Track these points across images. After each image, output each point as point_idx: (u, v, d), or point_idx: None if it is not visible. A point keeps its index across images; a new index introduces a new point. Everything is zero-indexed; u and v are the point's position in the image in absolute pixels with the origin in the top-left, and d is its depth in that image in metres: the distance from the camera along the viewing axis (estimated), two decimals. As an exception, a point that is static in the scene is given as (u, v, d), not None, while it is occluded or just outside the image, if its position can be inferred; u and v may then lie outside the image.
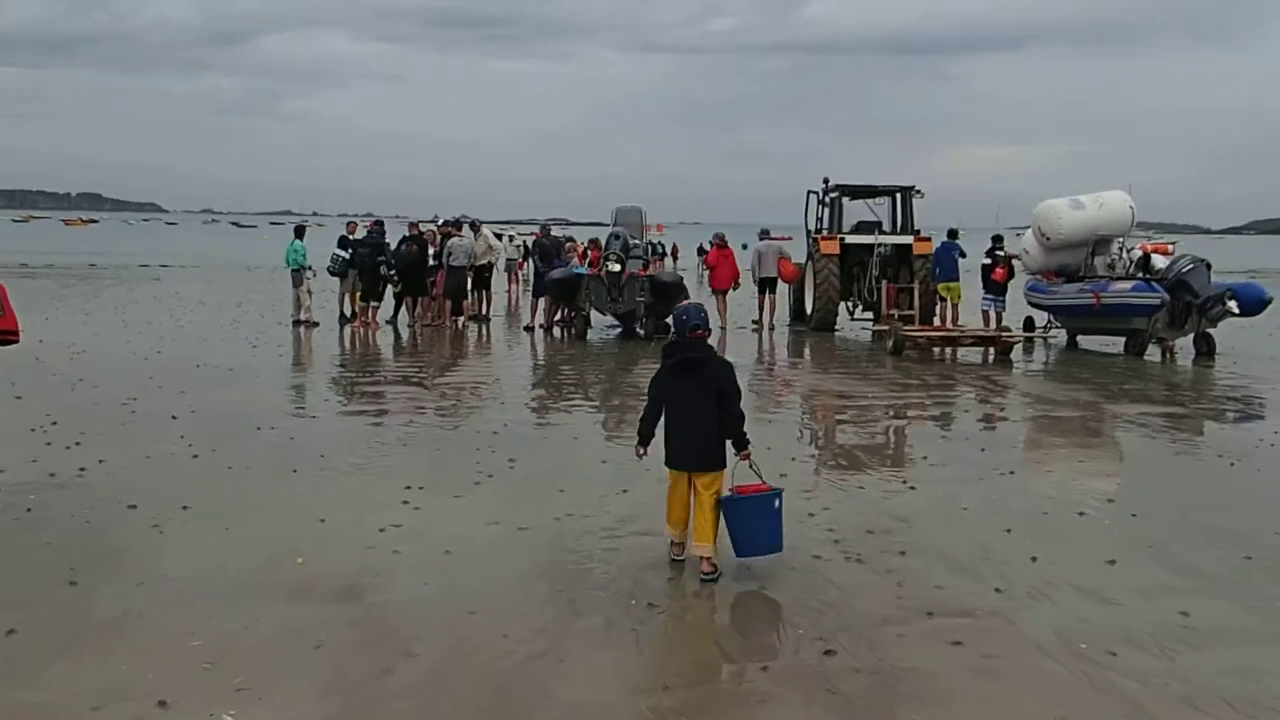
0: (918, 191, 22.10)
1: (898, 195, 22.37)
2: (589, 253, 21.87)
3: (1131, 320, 18.01)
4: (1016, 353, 17.92)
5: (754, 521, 6.31)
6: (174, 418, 10.96)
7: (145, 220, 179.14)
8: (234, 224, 65.84)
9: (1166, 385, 15.22)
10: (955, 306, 21.31)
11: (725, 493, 6.33)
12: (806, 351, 19.69)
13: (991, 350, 17.85)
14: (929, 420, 12.16)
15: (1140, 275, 18.80)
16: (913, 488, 8.79)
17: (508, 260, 30.39)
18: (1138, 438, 11.24)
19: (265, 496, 8.20)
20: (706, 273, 22.86)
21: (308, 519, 7.53)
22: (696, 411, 6.30)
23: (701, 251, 24.00)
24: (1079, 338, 19.72)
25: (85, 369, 14.38)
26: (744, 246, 58.77)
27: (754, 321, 22.29)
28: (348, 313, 21.63)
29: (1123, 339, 18.61)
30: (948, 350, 18.17)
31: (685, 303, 7.26)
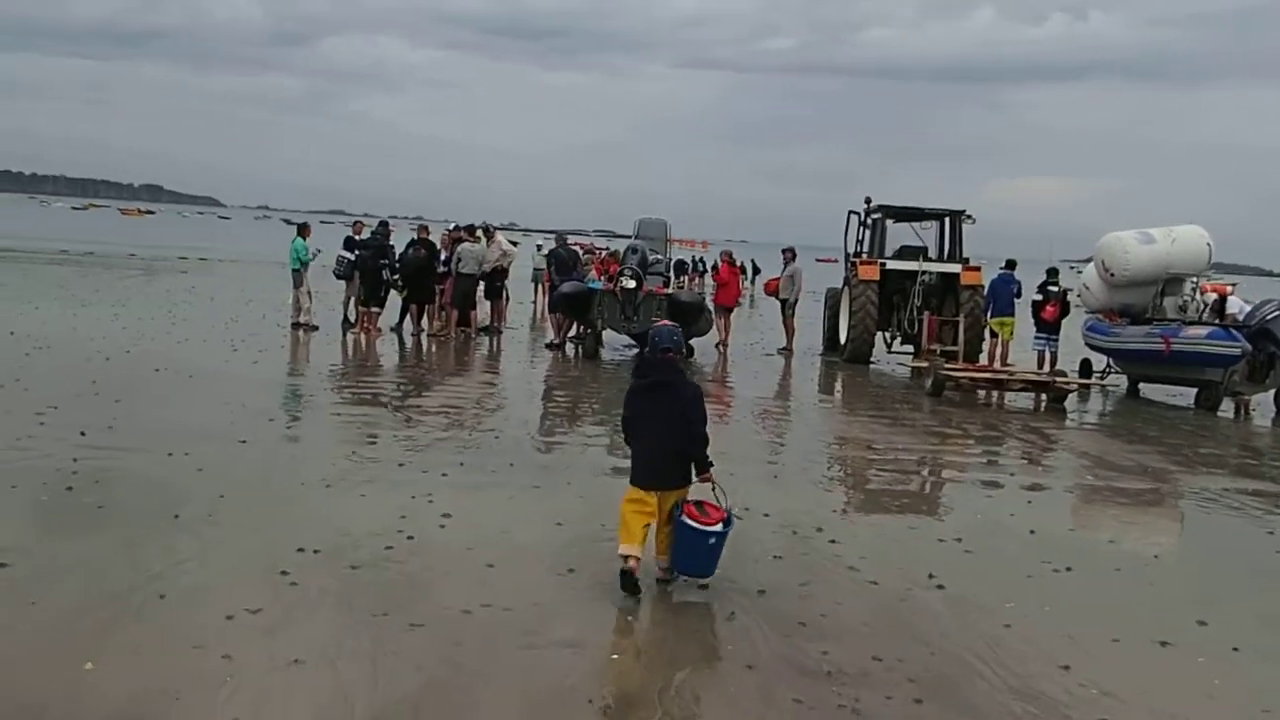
0: (968, 216, 19.93)
1: (946, 219, 20.21)
2: (608, 266, 20.05)
3: (1205, 371, 15.77)
4: (1071, 400, 15.73)
5: (695, 547, 6.32)
6: (82, 434, 9.33)
7: (200, 214, 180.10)
8: (285, 220, 64.79)
9: (1248, 450, 13.05)
10: (1006, 345, 19.13)
11: (680, 509, 6.30)
12: (836, 386, 17.62)
13: (1043, 396, 15.70)
14: (966, 484, 10.04)
15: (1216, 321, 16.59)
16: (940, 586, 6.75)
17: (535, 270, 28.55)
18: (1227, 522, 9.15)
19: (106, 560, 6.33)
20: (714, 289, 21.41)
21: (143, 602, 5.66)
22: (661, 432, 6.30)
23: (683, 268, 22.94)
24: (1141, 385, 17.53)
25: (28, 368, 12.76)
26: (740, 270, 56.62)
27: (781, 349, 20.62)
28: (351, 318, 19.91)
29: (1192, 390, 16.44)
30: (993, 393, 16.05)
31: (659, 324, 6.93)
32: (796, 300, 21.05)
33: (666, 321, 7.51)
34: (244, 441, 9.65)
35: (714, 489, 6.39)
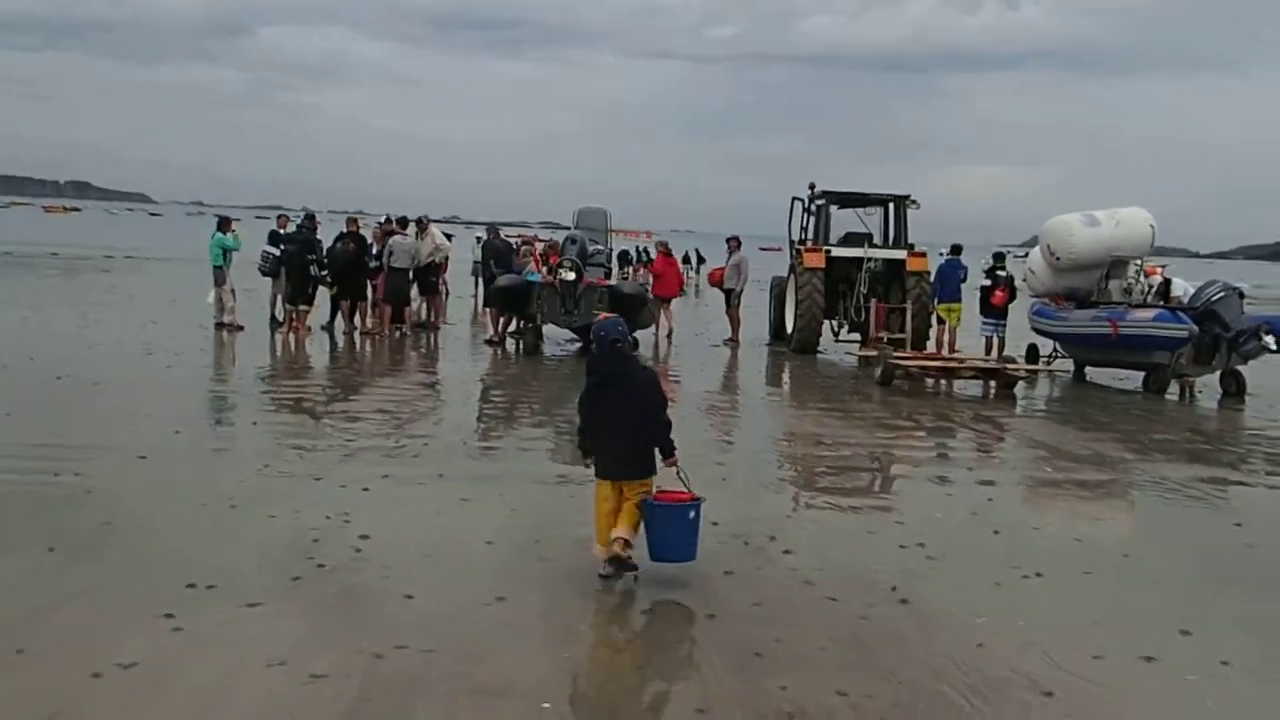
0: (913, 202, 19.43)
1: (890, 205, 19.69)
2: (549, 258, 19.30)
3: (1153, 354, 15.41)
4: (1020, 387, 15.28)
5: (670, 528, 6.22)
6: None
7: (130, 210, 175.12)
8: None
9: (1202, 435, 12.66)
10: (953, 331, 18.69)
11: (649, 496, 6.24)
12: (783, 378, 17.04)
13: (992, 383, 15.25)
14: (923, 480, 9.44)
15: (1161, 303, 16.27)
16: (904, 600, 6.15)
17: (475, 263, 27.66)
18: (1193, 514, 8.69)
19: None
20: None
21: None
22: (623, 422, 6.21)
23: (628, 258, 22.59)
24: (1088, 369, 17.18)
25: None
26: (683, 259, 55.95)
27: (727, 340, 20.11)
28: (279, 316, 18.97)
29: (1139, 374, 16.10)
30: (942, 381, 15.57)
31: (601, 317, 7.00)
32: (742, 290, 20.49)
33: (607, 314, 7.49)
34: (144, 457, 8.81)
35: (678, 473, 6.27)
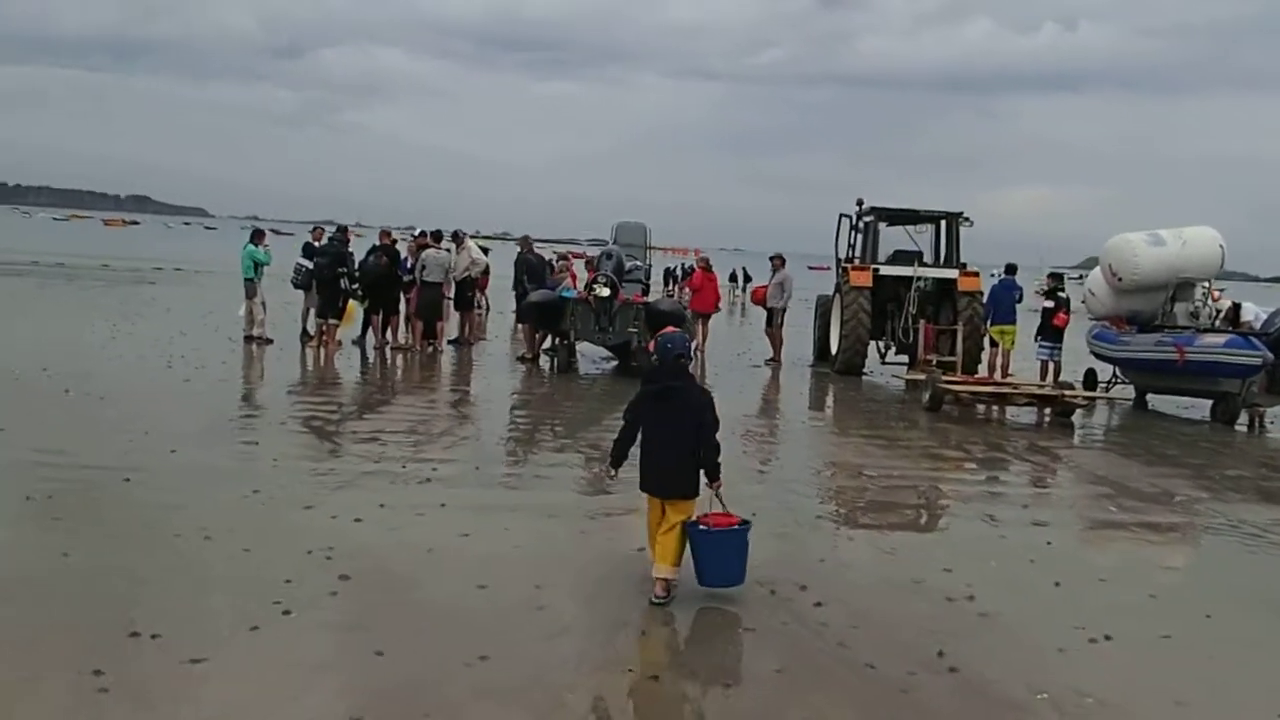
0: (965, 219, 18.46)
1: (942, 222, 18.74)
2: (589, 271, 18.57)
3: (1221, 382, 14.33)
4: (1077, 414, 14.26)
5: (719, 553, 6.12)
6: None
7: (186, 224, 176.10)
8: (274, 231, 63.53)
9: (1279, 471, 11.59)
10: (1007, 354, 17.66)
11: (693, 519, 6.10)
12: (826, 401, 16.12)
13: (1047, 410, 14.24)
14: (974, 519, 8.49)
15: (1232, 329, 15.16)
16: (953, 669, 5.27)
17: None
18: None
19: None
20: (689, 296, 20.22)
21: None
22: (674, 439, 6.08)
23: (673, 276, 22.14)
24: (1149, 397, 16.10)
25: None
26: (730, 276, 55.02)
27: (768, 360, 19.28)
28: (310, 330, 18.38)
29: (1205, 402, 15.03)
30: (994, 408, 14.57)
31: (668, 330, 6.60)
32: (785, 309, 19.61)
33: (674, 328, 7.02)
34: (128, 480, 8.14)
35: (717, 496, 6.12)
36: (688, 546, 6.14)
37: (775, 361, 19.03)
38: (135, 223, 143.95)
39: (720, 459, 6.15)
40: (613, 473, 6.37)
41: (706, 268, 20.40)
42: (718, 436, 6.17)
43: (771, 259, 20.60)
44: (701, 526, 6.07)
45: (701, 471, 6.11)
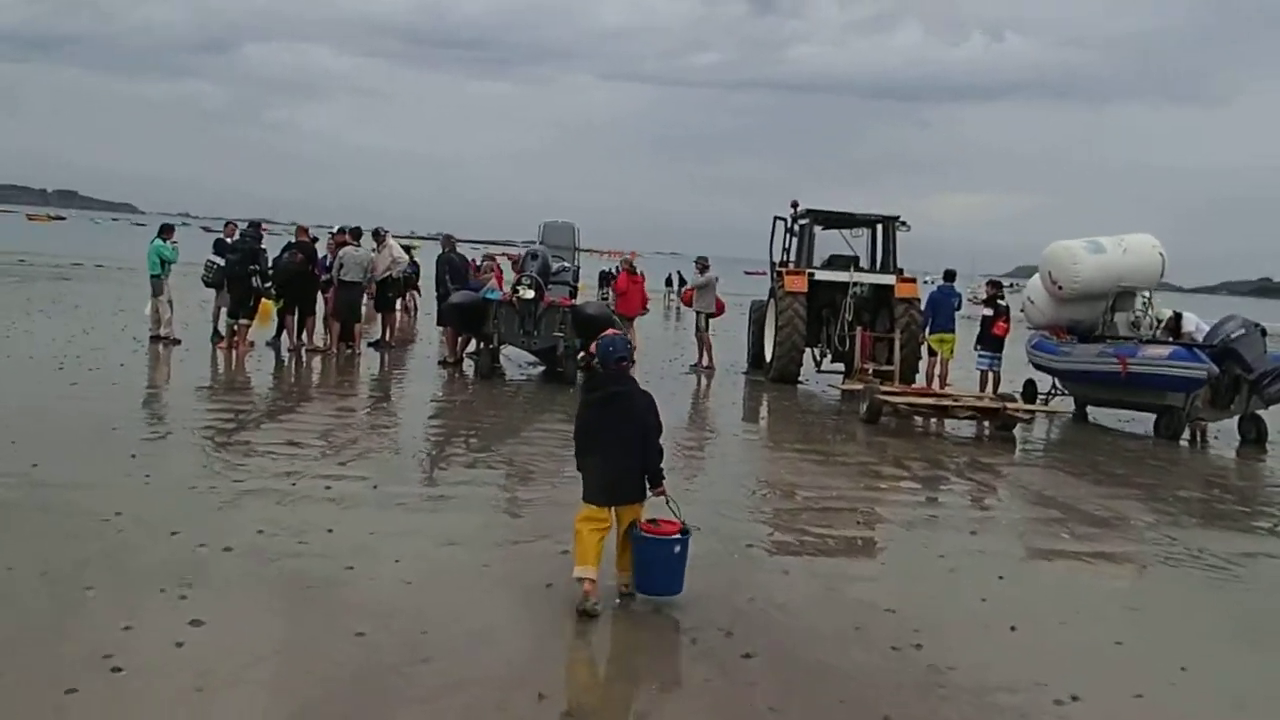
0: (903, 223, 17.78)
1: (879, 226, 18.05)
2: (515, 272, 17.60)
3: (1166, 395, 13.75)
4: (1018, 426, 13.61)
5: (655, 562, 5.92)
6: None
7: (115, 220, 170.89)
8: (204, 228, 61.56)
9: (1234, 493, 10.99)
10: (945, 363, 17.02)
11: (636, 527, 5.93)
12: (760, 412, 15.31)
13: (986, 423, 13.58)
14: (918, 551, 7.64)
15: (1173, 340, 14.65)
16: (901, 741, 4.45)
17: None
18: (1255, 604, 7.01)
19: None
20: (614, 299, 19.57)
21: None
22: (620, 445, 5.89)
23: (609, 278, 22.00)
24: (1089, 408, 15.53)
25: None
26: (666, 280, 54.31)
27: (694, 366, 18.71)
28: (222, 330, 17.19)
29: (1145, 415, 14.49)
30: (931, 420, 13.86)
31: (608, 333, 6.44)
32: (711, 313, 18.90)
33: (614, 331, 6.89)
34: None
35: (668, 502, 6.00)
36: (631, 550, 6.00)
37: (706, 367, 18.28)
38: (61, 218, 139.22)
39: (661, 462, 6.00)
40: None
41: (631, 270, 19.68)
42: (660, 441, 6.01)
43: (696, 261, 19.97)
44: (642, 532, 5.91)
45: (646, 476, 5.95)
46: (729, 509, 8.46)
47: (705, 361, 18.53)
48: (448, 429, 11.60)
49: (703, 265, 19.64)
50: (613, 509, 5.92)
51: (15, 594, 5.52)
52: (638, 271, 19.71)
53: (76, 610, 5.36)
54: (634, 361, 6.74)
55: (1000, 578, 7.04)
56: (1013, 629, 6.02)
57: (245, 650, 4.98)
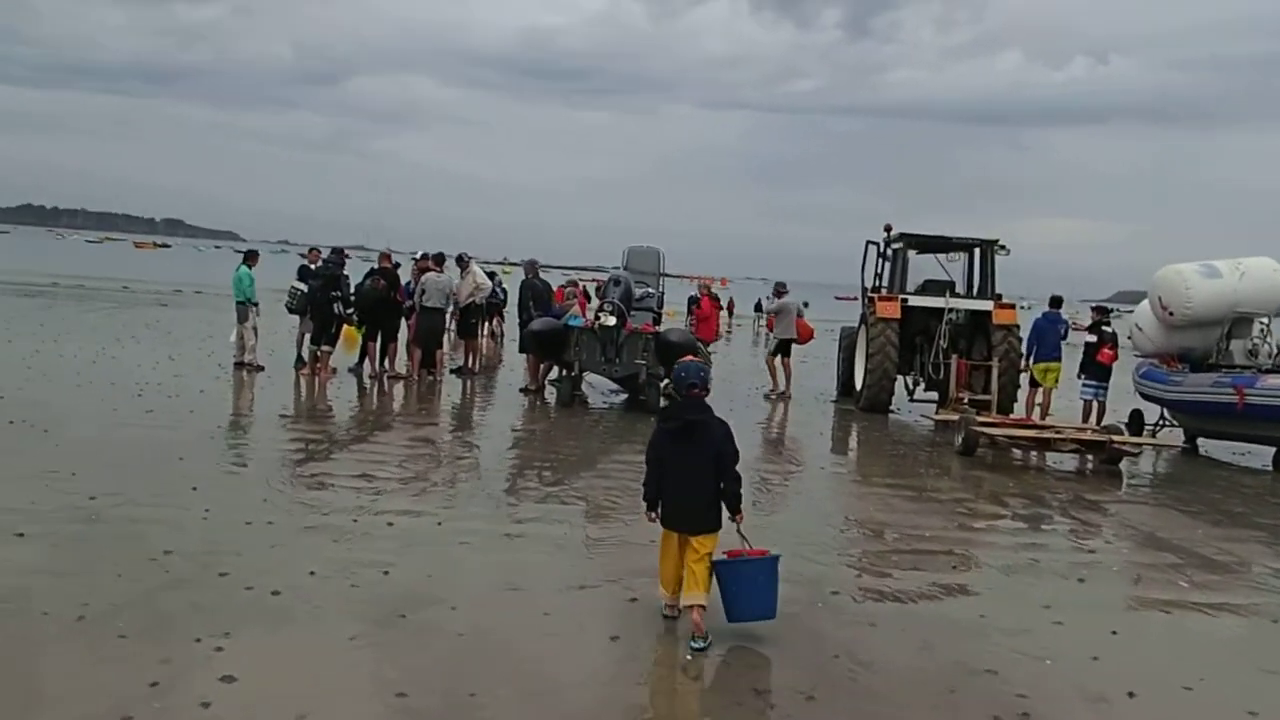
0: (1002, 247, 16.97)
1: (976, 250, 17.27)
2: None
3: (1288, 428, 12.73)
4: (1124, 460, 12.70)
5: (749, 585, 5.81)
6: None
7: (217, 247, 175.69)
8: (301, 255, 62.83)
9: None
10: (1049, 393, 16.09)
11: (718, 556, 5.83)
12: (848, 442, 14.62)
13: (1090, 456, 12.72)
14: (1022, 602, 6.93)
15: (1296, 368, 13.62)
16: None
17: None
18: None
19: None
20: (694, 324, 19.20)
21: None
22: (694, 474, 5.82)
23: (693, 301, 22.00)
24: (1199, 440, 14.50)
25: None
26: (805, 304, 53.89)
27: (769, 392, 18.14)
28: (306, 356, 17.12)
29: (1262, 448, 13.48)
30: (1030, 453, 13.03)
31: (684, 360, 6.33)
32: (791, 339, 18.34)
33: (691, 357, 6.72)
34: (20, 535, 6.83)
35: (739, 530, 5.89)
36: (714, 583, 5.85)
37: (781, 394, 17.75)
38: (166, 245, 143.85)
39: (741, 489, 5.90)
40: (652, 515, 6.03)
41: (711, 296, 19.38)
42: (737, 468, 5.89)
43: (775, 287, 19.51)
44: (727, 559, 5.81)
45: (724, 505, 5.87)
46: (812, 550, 7.86)
47: (783, 388, 17.94)
48: (522, 460, 11.17)
49: (779, 290, 19.09)
50: (686, 540, 5.83)
51: (45, 640, 5.20)
52: (717, 297, 19.41)
53: (105, 662, 5.00)
54: (709, 390, 6.26)
55: (1113, 633, 6.31)
56: (1131, 695, 5.31)
57: (274, 713, 4.56)
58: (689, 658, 5.49)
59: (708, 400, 6.12)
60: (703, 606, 5.68)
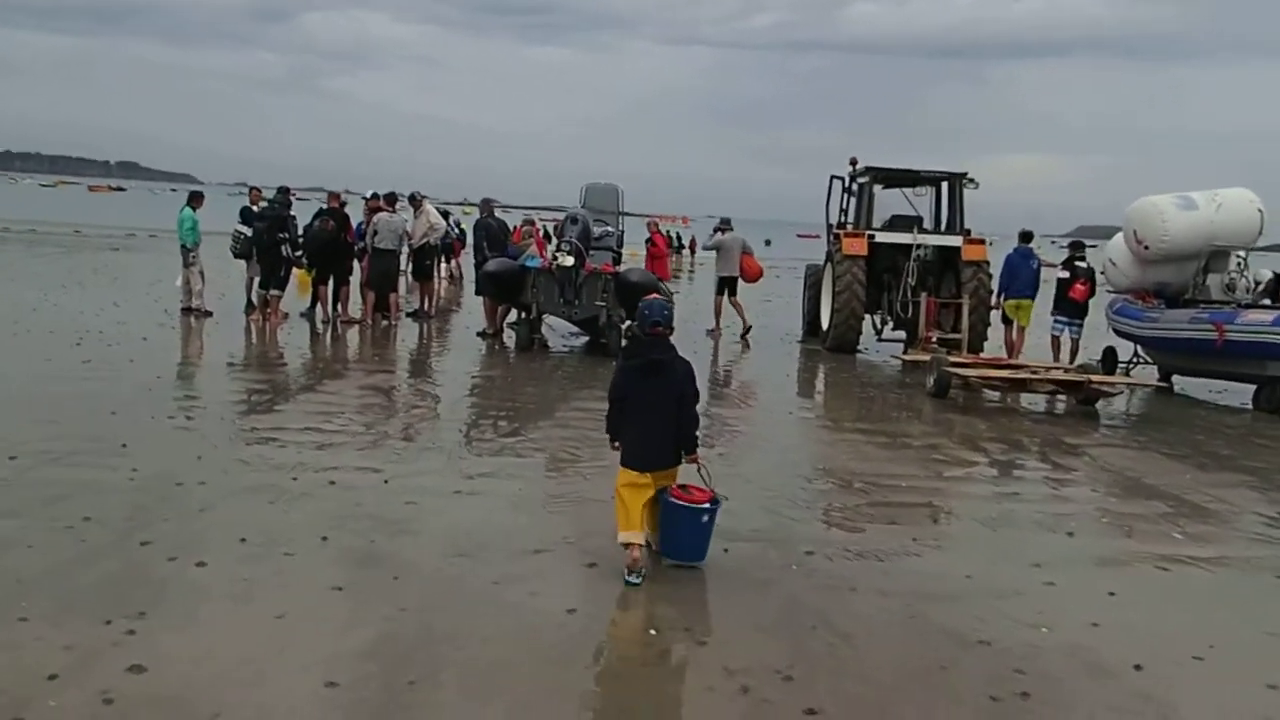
0: (970, 180, 16.37)
1: (944, 184, 16.67)
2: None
3: (1268, 365, 12.31)
4: (1100, 400, 12.27)
5: (682, 529, 5.85)
6: None
7: (173, 190, 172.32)
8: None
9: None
10: (1022, 331, 15.61)
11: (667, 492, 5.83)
12: (816, 384, 14.10)
13: (1061, 395, 12.30)
14: (1007, 560, 6.42)
15: (1272, 303, 13.21)
16: None
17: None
18: None
19: None
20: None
21: None
22: (658, 412, 5.78)
23: (676, 244, 21.51)
24: (1174, 377, 14.09)
25: None
26: (767, 243, 53.34)
27: (709, 330, 17.51)
28: (256, 301, 16.32)
29: (1239, 385, 13.09)
30: (1002, 393, 12.57)
31: (648, 298, 6.19)
32: (733, 277, 17.87)
33: (656, 295, 6.79)
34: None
35: (700, 470, 5.93)
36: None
37: (712, 331, 17.42)
38: (121, 189, 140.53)
39: (698, 431, 5.94)
40: (616, 444, 5.93)
41: (661, 232, 18.90)
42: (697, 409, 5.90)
43: (718, 222, 18.95)
44: (672, 498, 5.79)
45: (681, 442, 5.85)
46: (783, 504, 7.34)
47: (714, 328, 17.54)
48: (477, 410, 10.55)
49: (719, 227, 18.40)
50: (649, 476, 5.76)
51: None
52: (664, 233, 18.95)
53: (1, 650, 4.39)
54: (673, 329, 6.07)
55: (1111, 594, 5.82)
56: (1138, 668, 4.83)
57: (184, 710, 3.97)
58: (652, 632, 4.96)
59: (671, 340, 5.94)
60: (645, 545, 5.69)
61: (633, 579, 5.53)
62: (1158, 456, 9.78)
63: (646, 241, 19.13)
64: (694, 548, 5.86)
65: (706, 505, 5.78)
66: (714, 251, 18.57)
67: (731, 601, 5.42)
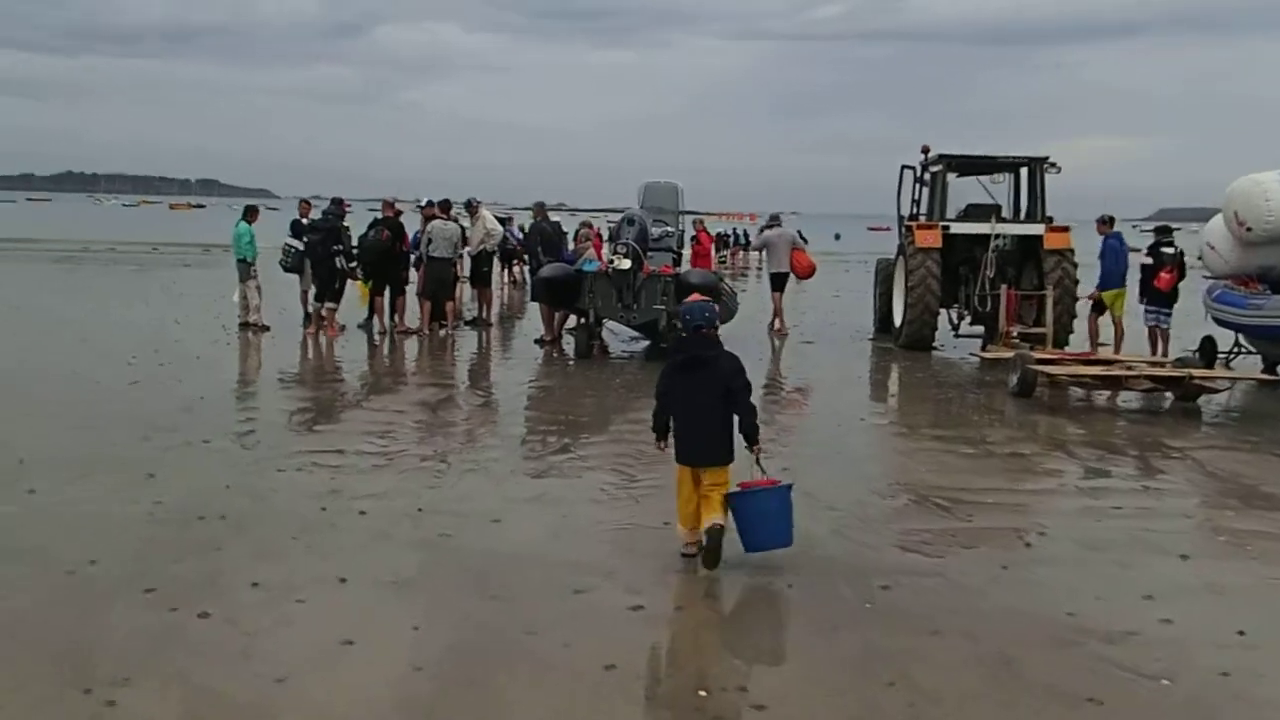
0: (1052, 164, 15.34)
1: (1023, 170, 15.65)
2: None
3: (1389, 354, 11.17)
4: (1202, 396, 11.21)
5: (764, 515, 5.76)
6: None
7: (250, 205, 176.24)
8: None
9: None
10: (1119, 323, 14.45)
11: (733, 488, 5.78)
12: (890, 386, 13.24)
13: (1162, 393, 11.27)
14: (1111, 589, 5.61)
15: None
16: None
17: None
18: None
19: None
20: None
21: None
22: (703, 408, 5.79)
23: (725, 241, 21.03)
24: (1280, 368, 12.92)
25: None
26: (836, 237, 52.22)
27: (774, 329, 16.82)
28: (311, 314, 15.95)
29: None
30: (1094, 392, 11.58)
31: (690, 300, 6.29)
32: (785, 273, 17.12)
33: (698, 297, 6.69)
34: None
35: (757, 461, 5.81)
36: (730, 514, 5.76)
37: (778, 331, 16.67)
38: (200, 205, 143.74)
39: (758, 420, 5.86)
40: (662, 444, 5.97)
41: (706, 231, 18.36)
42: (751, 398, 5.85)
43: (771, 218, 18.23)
44: (738, 490, 5.75)
45: (741, 436, 5.82)
46: (854, 525, 6.57)
47: (777, 325, 16.75)
48: (528, 424, 9.92)
49: (769, 223, 17.63)
50: (698, 474, 5.76)
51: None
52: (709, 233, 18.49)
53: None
54: (717, 328, 6.06)
55: (1240, 634, 4.96)
56: (1282, 731, 4.00)
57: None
58: (702, 694, 4.26)
59: (719, 337, 6.01)
60: (721, 526, 5.61)
61: (687, 550, 5.76)
62: (1273, 459, 8.77)
63: (692, 240, 18.50)
64: (777, 531, 5.73)
65: (783, 485, 5.77)
66: (762, 250, 17.93)
67: (795, 652, 4.72)
